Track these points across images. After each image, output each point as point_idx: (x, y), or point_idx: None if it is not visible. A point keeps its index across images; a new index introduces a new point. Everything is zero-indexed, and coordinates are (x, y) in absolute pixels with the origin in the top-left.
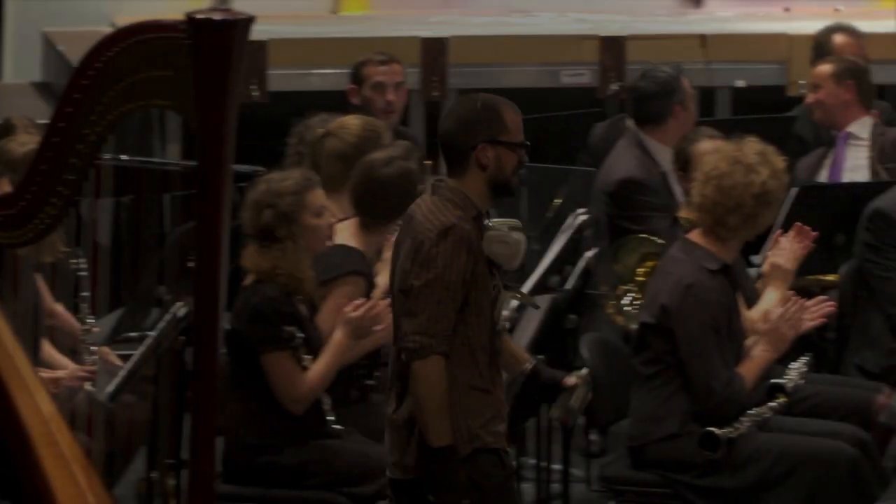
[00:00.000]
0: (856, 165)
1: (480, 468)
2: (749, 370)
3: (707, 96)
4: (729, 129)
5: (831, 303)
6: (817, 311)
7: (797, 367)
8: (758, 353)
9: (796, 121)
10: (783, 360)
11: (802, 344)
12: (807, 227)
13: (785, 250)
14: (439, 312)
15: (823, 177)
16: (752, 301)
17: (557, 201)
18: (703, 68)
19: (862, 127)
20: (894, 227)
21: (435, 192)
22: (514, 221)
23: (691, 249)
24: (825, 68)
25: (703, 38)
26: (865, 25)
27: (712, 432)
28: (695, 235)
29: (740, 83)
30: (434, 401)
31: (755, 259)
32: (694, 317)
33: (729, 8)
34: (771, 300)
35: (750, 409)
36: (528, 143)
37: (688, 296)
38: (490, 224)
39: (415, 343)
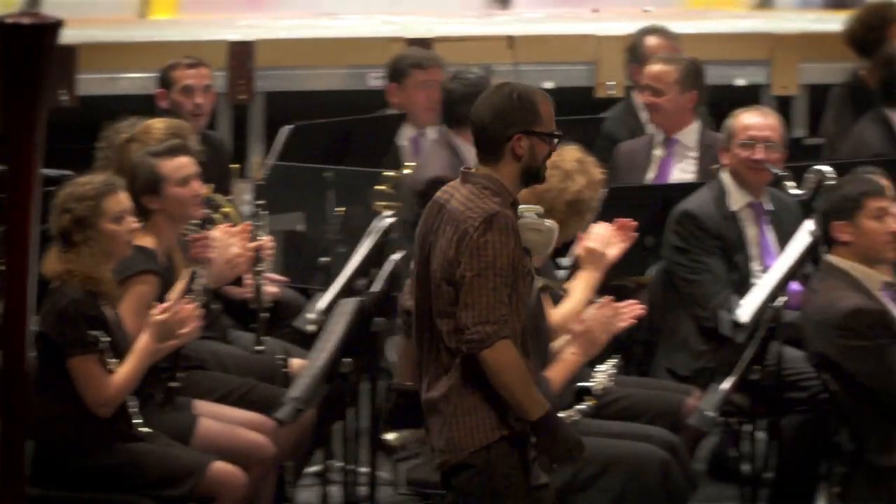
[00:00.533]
0: (682, 180)
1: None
2: (557, 373)
3: None
4: None
5: (641, 305)
6: (628, 313)
7: (605, 369)
8: (567, 356)
9: (607, 120)
10: (591, 363)
11: (611, 346)
12: (629, 221)
13: (601, 235)
14: (495, 299)
15: (650, 179)
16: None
17: (340, 209)
18: (512, 70)
19: (690, 135)
20: (702, 228)
21: (467, 180)
22: (538, 208)
23: None
24: (669, 72)
25: (510, 40)
26: (676, 26)
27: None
28: None
29: (548, 84)
30: (517, 380)
31: (563, 261)
32: None
33: (537, 9)
34: (582, 287)
35: (558, 411)
36: (560, 133)
37: None
38: (520, 212)
39: (478, 334)
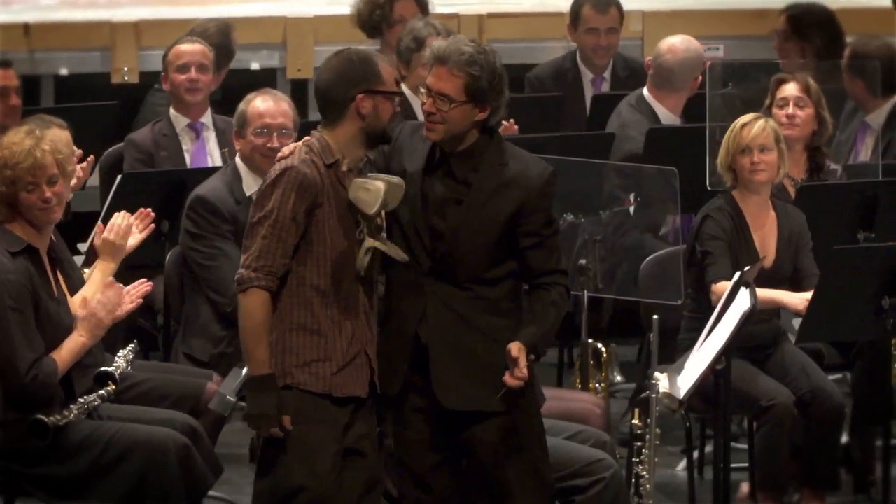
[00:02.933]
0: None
1: (285, 404)
2: (62, 354)
3: (32, 85)
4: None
5: (149, 283)
6: (136, 293)
7: (124, 354)
8: (72, 338)
9: (145, 109)
10: (113, 348)
11: (130, 331)
12: (147, 211)
13: (119, 226)
14: (263, 248)
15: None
16: (78, 288)
17: None
18: (27, 57)
19: (209, 118)
20: (215, 213)
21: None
22: (388, 177)
23: (2, 235)
24: (206, 51)
25: (26, 27)
26: (187, 12)
27: (41, 420)
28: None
29: (64, 71)
30: (251, 331)
31: (82, 247)
32: None
33: None
34: (98, 278)
35: (80, 396)
36: (402, 92)
37: None
38: (368, 174)
39: (240, 276)
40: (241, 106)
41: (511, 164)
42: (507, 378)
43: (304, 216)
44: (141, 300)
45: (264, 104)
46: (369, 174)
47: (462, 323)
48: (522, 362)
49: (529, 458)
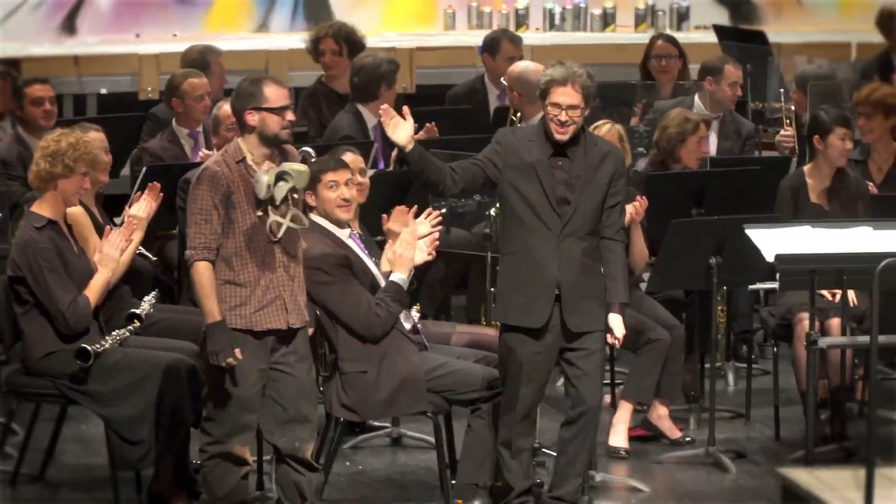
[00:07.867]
0: None
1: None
2: (91, 291)
3: (80, 101)
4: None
5: (132, 224)
6: (126, 232)
7: (149, 299)
8: (96, 277)
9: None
10: (140, 296)
11: (154, 283)
12: (157, 186)
13: (141, 205)
14: (197, 231)
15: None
16: None
17: None
18: (77, 80)
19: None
20: None
21: None
22: (293, 166)
23: (29, 216)
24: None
25: (76, 59)
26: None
27: (85, 347)
28: (34, 204)
29: (104, 90)
30: (200, 292)
31: (117, 220)
32: (32, 264)
33: (95, 35)
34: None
35: (113, 330)
36: (289, 105)
37: (26, 249)
38: (280, 165)
39: (186, 255)
40: (214, 111)
41: (599, 143)
42: (609, 337)
43: (221, 201)
44: (132, 237)
45: (228, 107)
46: (283, 165)
47: (581, 266)
48: (620, 330)
49: (602, 357)
